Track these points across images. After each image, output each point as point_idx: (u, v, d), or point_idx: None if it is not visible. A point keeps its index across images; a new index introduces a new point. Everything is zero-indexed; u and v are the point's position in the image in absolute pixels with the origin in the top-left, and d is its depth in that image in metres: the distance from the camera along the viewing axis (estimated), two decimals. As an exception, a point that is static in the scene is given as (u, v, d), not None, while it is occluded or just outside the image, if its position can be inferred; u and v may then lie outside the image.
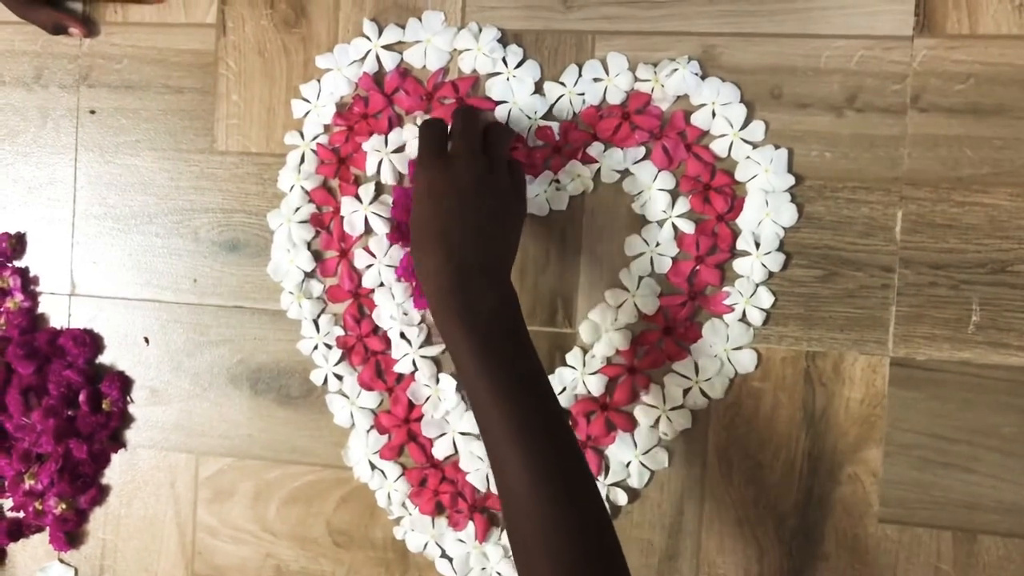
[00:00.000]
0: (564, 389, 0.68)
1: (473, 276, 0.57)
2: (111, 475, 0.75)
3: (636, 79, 0.67)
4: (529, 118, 0.68)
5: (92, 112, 0.75)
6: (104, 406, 0.74)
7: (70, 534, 0.75)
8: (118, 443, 0.75)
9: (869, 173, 0.64)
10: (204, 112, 0.73)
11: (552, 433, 0.55)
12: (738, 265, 0.65)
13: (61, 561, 0.76)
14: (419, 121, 0.69)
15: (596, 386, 0.67)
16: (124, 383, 0.75)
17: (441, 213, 0.58)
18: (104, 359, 0.75)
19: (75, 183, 0.75)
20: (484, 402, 0.55)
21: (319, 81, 0.71)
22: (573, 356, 0.68)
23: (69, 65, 0.75)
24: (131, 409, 0.75)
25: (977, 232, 0.63)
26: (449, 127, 0.64)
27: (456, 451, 0.69)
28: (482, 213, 0.59)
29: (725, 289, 0.66)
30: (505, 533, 0.68)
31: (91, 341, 0.75)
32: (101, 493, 0.75)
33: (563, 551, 0.51)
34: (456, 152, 0.61)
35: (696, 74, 0.66)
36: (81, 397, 0.73)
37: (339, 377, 0.71)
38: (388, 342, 0.70)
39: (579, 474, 0.55)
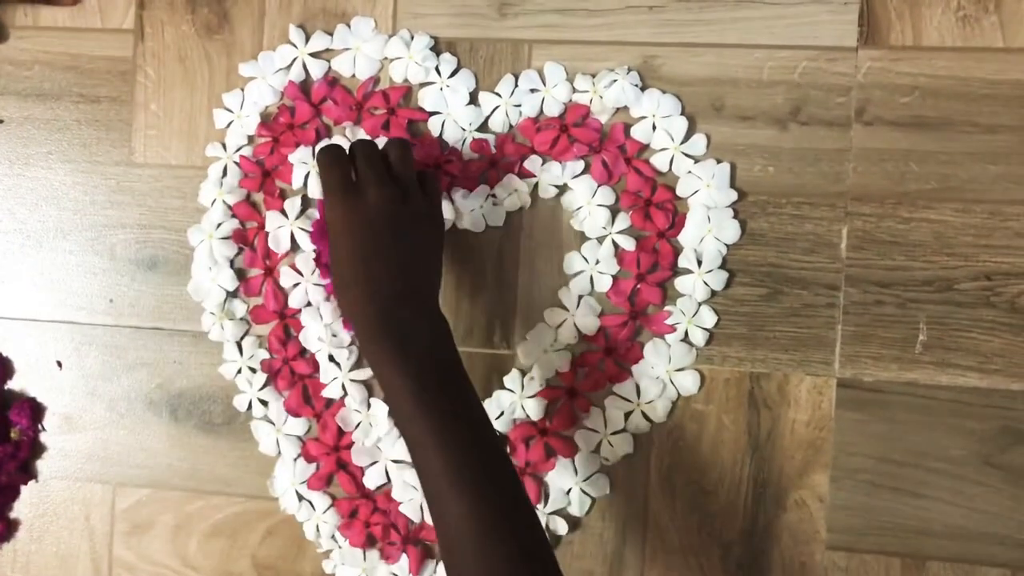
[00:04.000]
0: (502, 413, 0.65)
1: (400, 312, 0.55)
2: (20, 509, 0.71)
3: (574, 90, 0.64)
4: (463, 130, 0.65)
5: (0, 122, 0.71)
6: (13, 435, 0.70)
7: (-24, 572, 0.71)
8: (28, 474, 0.71)
9: (813, 188, 0.62)
10: (121, 122, 0.70)
11: (492, 473, 0.53)
12: (680, 283, 0.63)
13: (-34, 601, 0.71)
14: (348, 132, 0.66)
15: (535, 410, 0.65)
16: (35, 410, 0.71)
17: (359, 253, 0.56)
18: (13, 384, 0.71)
19: (-18, 197, 0.71)
20: (421, 442, 0.53)
21: (243, 90, 0.68)
22: (511, 379, 0.65)
23: (-25, 72, 0.71)
24: (43, 438, 0.71)
25: (924, 249, 0.62)
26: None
27: (389, 480, 0.66)
28: (402, 245, 0.56)
29: (667, 308, 0.63)
30: (441, 566, 0.65)
31: (-1, 365, 0.71)
32: (9, 528, 0.71)
33: None
34: (364, 183, 0.57)
35: (636, 85, 0.64)
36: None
37: (264, 403, 0.68)
38: (316, 365, 0.67)
39: (521, 512, 0.53)
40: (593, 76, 0.64)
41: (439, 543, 0.53)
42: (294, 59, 0.67)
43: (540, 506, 0.64)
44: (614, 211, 0.64)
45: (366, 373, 0.66)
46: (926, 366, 0.62)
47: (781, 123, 0.63)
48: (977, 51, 0.61)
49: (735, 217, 0.63)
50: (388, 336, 0.54)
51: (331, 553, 0.67)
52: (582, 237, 0.64)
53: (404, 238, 0.57)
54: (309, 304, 0.67)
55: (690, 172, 0.63)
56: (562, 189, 0.65)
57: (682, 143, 0.63)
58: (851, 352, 0.62)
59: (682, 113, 0.63)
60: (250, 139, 0.68)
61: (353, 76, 0.67)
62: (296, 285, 0.67)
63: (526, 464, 0.64)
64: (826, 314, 0.62)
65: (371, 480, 0.66)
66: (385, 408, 0.66)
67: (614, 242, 0.64)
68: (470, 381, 0.56)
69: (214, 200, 0.68)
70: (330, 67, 0.67)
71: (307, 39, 0.67)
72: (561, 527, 0.64)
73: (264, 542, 0.68)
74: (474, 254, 0.66)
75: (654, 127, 0.63)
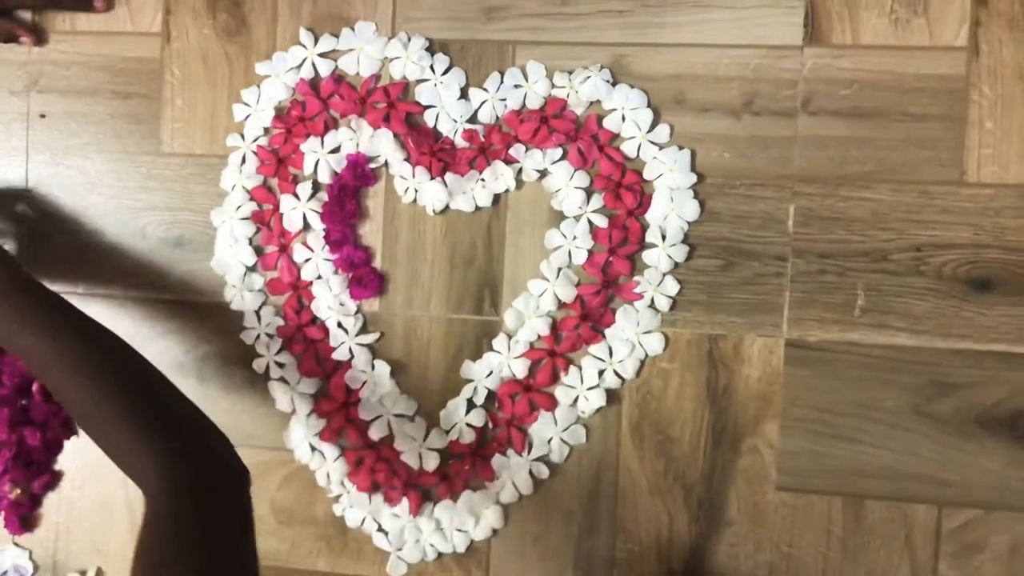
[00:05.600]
0: (491, 373, 0.73)
1: None
2: (64, 461, 0.79)
3: (553, 86, 0.72)
4: (455, 121, 0.73)
5: (42, 116, 0.78)
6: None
7: (24, 518, 0.79)
8: (70, 430, 0.79)
9: (764, 171, 0.70)
10: (150, 116, 0.77)
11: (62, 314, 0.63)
12: (647, 256, 0.71)
13: (15, 544, 0.79)
14: (353, 124, 0.74)
15: (520, 369, 0.72)
16: (76, 374, 0.78)
17: None
18: (56, 351, 0.79)
19: (26, 184, 0.79)
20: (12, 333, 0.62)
21: (259, 87, 0.75)
22: (499, 342, 0.73)
23: (19, 71, 0.78)
24: (83, 398, 0.78)
25: (862, 224, 0.69)
26: None
27: (391, 432, 0.74)
28: None
29: (636, 278, 0.71)
30: (438, 506, 0.73)
31: (43, 334, 0.78)
32: (54, 478, 0.79)
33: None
34: None
35: (607, 81, 0.71)
36: (34, 387, 0.77)
37: (280, 365, 0.75)
38: (326, 331, 0.75)
39: (94, 331, 0.63)
40: (570, 73, 0.72)
41: (71, 410, 0.62)
42: (304, 59, 0.75)
43: (524, 453, 0.72)
44: (589, 192, 0.71)
45: (371, 338, 0.74)
46: (864, 327, 0.69)
47: (736, 114, 0.70)
48: (908, 49, 0.68)
49: (695, 197, 0.70)
50: None
51: (340, 498, 0.75)
52: (561, 216, 0.72)
53: None
54: (320, 277, 0.74)
55: (655, 158, 0.71)
56: (543, 173, 0.72)
57: (648, 132, 0.71)
58: (797, 316, 0.70)
59: (648, 106, 0.71)
60: (266, 130, 0.75)
61: (357, 74, 0.74)
62: (308, 260, 0.74)
63: (512, 417, 0.72)
64: (775, 282, 0.70)
65: (375, 432, 0.74)
66: (387, 368, 0.74)
67: (589, 220, 0.71)
68: (51, 295, 0.64)
69: (234, 185, 0.75)
70: (336, 66, 0.74)
71: (316, 41, 0.74)
72: (543, 471, 0.72)
73: (281, 488, 0.76)
74: (465, 231, 0.74)
75: (624, 118, 0.71)
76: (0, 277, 0.63)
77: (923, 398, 0.69)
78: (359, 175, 0.73)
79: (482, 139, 0.73)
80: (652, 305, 0.71)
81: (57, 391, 0.61)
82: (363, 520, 0.75)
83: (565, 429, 0.72)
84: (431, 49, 0.73)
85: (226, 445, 0.60)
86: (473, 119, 0.73)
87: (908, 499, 0.69)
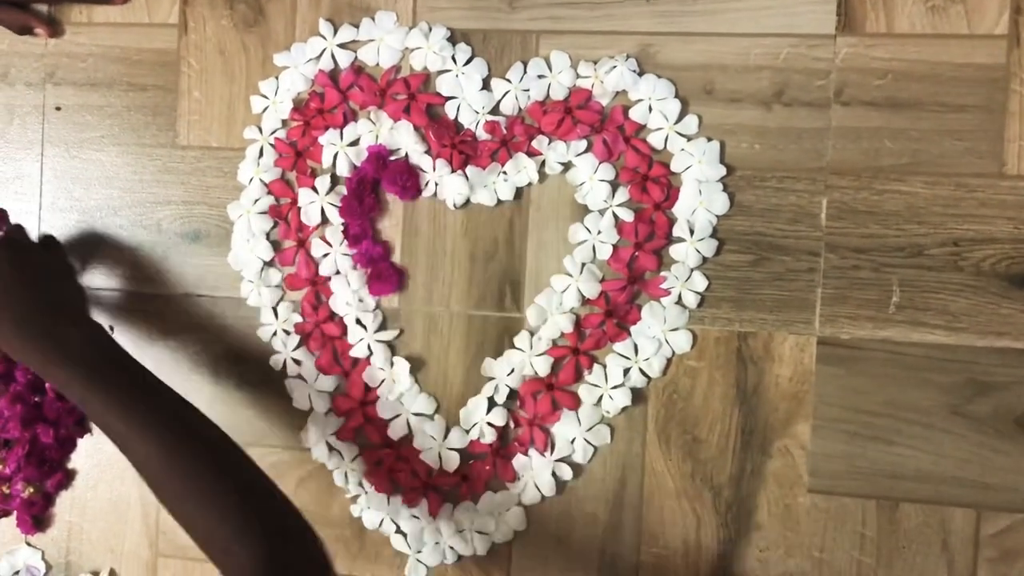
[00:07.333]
0: (513, 370, 0.71)
1: (40, 323, 0.64)
2: (77, 459, 0.78)
3: (578, 76, 0.70)
4: (477, 113, 0.71)
5: (58, 109, 0.77)
6: (70, 393, 0.76)
7: (37, 517, 0.78)
8: (84, 428, 0.78)
9: (796, 163, 0.68)
10: (166, 108, 0.76)
11: (169, 414, 0.62)
12: (674, 251, 0.69)
13: (28, 544, 0.78)
14: (373, 116, 0.72)
15: (543, 367, 0.71)
16: (90, 370, 0.77)
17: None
18: (70, 347, 0.78)
19: (41, 178, 0.78)
20: (102, 414, 0.61)
21: (277, 78, 0.74)
22: (521, 339, 0.71)
23: (35, 64, 0.78)
24: (97, 395, 0.77)
25: (896, 218, 0.67)
26: None
27: (410, 431, 0.72)
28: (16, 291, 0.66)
29: (662, 274, 0.69)
30: (457, 508, 0.72)
31: (57, 330, 0.77)
32: (67, 477, 0.78)
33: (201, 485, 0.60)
34: None
35: (634, 71, 0.69)
36: (47, 383, 0.76)
37: (297, 362, 0.74)
38: (344, 328, 0.73)
39: (208, 442, 0.62)
40: (595, 63, 0.70)
41: (149, 484, 0.61)
42: (323, 50, 0.73)
43: (547, 454, 0.70)
44: (614, 185, 0.70)
45: (390, 334, 0.73)
46: (899, 324, 0.67)
47: (766, 104, 0.68)
48: (945, 37, 0.66)
49: (724, 190, 0.68)
50: (36, 342, 0.63)
51: (358, 498, 0.73)
52: (585, 209, 0.70)
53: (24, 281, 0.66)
54: (338, 272, 0.73)
55: (683, 149, 0.69)
56: (567, 166, 0.71)
57: (676, 123, 0.69)
58: (830, 312, 0.68)
59: (676, 96, 0.69)
60: (284, 123, 0.74)
61: (377, 65, 0.73)
62: (326, 255, 0.73)
63: (534, 416, 0.71)
64: (807, 278, 0.68)
65: (394, 432, 0.72)
66: (406, 366, 0.72)
67: (614, 214, 0.70)
68: (139, 363, 0.64)
69: (251, 178, 0.74)
70: (356, 57, 0.73)
71: (335, 31, 0.73)
72: (566, 473, 0.70)
73: (298, 488, 0.75)
74: (487, 226, 0.72)
75: (650, 109, 0.69)
76: (93, 354, 0.63)
77: (961, 398, 0.66)
78: (381, 167, 0.72)
79: (504, 131, 0.71)
80: (679, 301, 0.69)
81: (127, 455, 0.61)
82: (381, 522, 0.73)
83: (589, 429, 0.70)
84: (453, 39, 0.72)
85: (318, 544, 0.61)
86: (495, 110, 0.71)
87: (945, 503, 0.67)
